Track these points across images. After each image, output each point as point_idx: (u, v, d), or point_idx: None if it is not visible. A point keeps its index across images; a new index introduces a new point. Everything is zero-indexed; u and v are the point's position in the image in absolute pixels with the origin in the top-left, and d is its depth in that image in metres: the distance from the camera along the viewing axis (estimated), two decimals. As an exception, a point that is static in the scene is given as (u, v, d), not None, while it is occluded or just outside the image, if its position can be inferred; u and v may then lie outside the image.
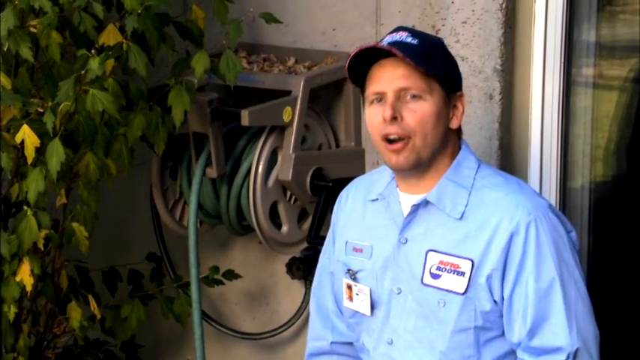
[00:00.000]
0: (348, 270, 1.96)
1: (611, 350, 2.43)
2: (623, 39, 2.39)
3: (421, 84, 1.82)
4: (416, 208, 1.88)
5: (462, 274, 1.83)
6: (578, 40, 2.37)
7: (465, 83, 2.38)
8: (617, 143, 2.45)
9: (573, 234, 1.89)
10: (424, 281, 1.86)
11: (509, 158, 2.40)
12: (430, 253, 1.86)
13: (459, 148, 1.91)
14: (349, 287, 1.96)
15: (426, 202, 1.87)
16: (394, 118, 1.82)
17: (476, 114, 2.36)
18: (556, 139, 2.36)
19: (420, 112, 1.82)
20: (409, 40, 1.84)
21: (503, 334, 1.86)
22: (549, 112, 2.35)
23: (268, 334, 2.71)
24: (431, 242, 1.86)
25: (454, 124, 1.88)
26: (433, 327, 1.86)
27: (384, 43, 1.84)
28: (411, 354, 1.89)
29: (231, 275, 2.63)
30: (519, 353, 1.84)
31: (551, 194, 2.38)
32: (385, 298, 1.92)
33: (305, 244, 2.54)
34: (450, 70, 1.88)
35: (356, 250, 1.96)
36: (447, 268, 1.84)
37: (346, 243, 1.98)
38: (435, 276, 1.85)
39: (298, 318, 2.67)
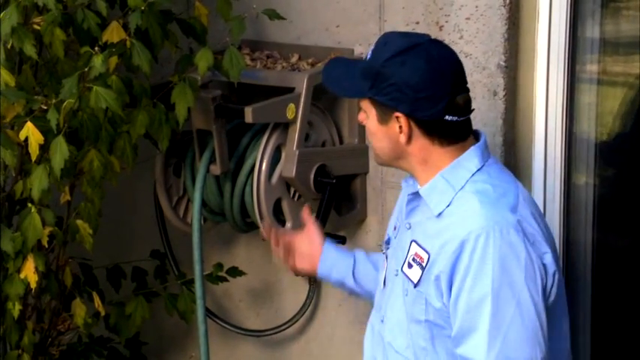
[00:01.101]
0: (383, 244, 2.06)
1: (615, 346, 2.43)
2: (628, 35, 2.38)
3: (362, 103, 1.93)
4: (412, 198, 1.94)
5: (422, 267, 1.88)
6: (583, 36, 2.37)
7: (468, 79, 2.37)
8: (621, 139, 2.45)
9: (548, 255, 1.85)
10: (402, 269, 1.93)
11: (513, 155, 2.40)
12: (412, 244, 1.91)
13: (475, 140, 1.91)
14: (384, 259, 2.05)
15: (419, 195, 1.93)
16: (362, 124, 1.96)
17: (480, 110, 2.35)
18: (560, 135, 2.36)
19: (367, 126, 1.95)
20: (368, 54, 1.91)
21: None
22: (553, 108, 2.35)
23: (272, 331, 2.71)
24: (417, 233, 1.92)
25: (402, 140, 1.88)
26: (404, 313, 1.92)
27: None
28: (391, 336, 1.96)
29: (235, 272, 2.63)
30: None
31: (555, 190, 2.37)
32: (390, 277, 1.98)
33: (309, 241, 2.54)
34: (385, 92, 1.85)
35: (394, 228, 2.04)
36: (417, 260, 1.89)
37: (394, 220, 2.07)
38: (409, 265, 1.91)
39: (302, 315, 2.67)
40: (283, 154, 2.43)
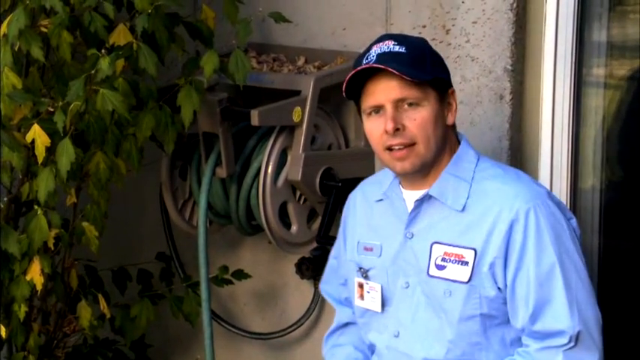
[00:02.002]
0: (360, 268, 2.01)
1: (622, 351, 2.42)
2: (634, 38, 2.38)
3: (416, 92, 1.88)
4: (419, 203, 1.94)
5: (466, 263, 1.88)
6: (589, 39, 2.36)
7: (475, 83, 2.37)
8: (627, 143, 2.44)
9: (574, 221, 1.94)
10: (430, 273, 1.91)
11: (519, 159, 2.40)
12: (435, 246, 1.90)
13: (457, 142, 1.96)
14: (361, 286, 2.01)
15: (428, 197, 1.92)
16: (397, 130, 1.87)
17: (486, 114, 2.35)
18: (567, 139, 2.35)
19: (419, 119, 1.88)
20: (397, 49, 1.88)
21: (508, 321, 1.89)
22: (560, 112, 2.35)
23: (277, 334, 2.71)
24: (435, 235, 1.91)
25: (450, 121, 1.94)
26: (440, 317, 1.91)
27: (373, 54, 1.88)
28: (419, 345, 1.93)
29: (240, 275, 2.63)
30: (524, 339, 1.88)
31: (562, 194, 2.37)
32: (395, 293, 1.96)
33: (314, 244, 2.54)
34: (439, 70, 1.92)
35: (366, 249, 2.01)
36: (452, 258, 1.89)
37: (358, 243, 2.03)
38: (440, 267, 1.90)
39: (307, 318, 2.67)
40: (289, 157, 2.43)
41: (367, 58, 1.88)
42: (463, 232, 1.88)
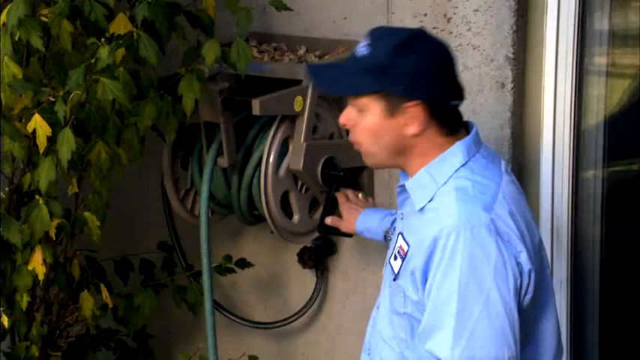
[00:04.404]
0: (388, 233, 2.11)
1: (624, 341, 2.42)
2: (636, 27, 2.37)
3: (358, 100, 1.86)
4: (400, 190, 1.94)
5: (403, 260, 1.88)
6: (591, 28, 2.36)
7: (476, 72, 2.37)
8: (629, 132, 2.44)
9: (523, 255, 1.81)
10: (389, 260, 1.93)
11: (521, 147, 2.39)
12: (399, 236, 1.92)
13: (452, 141, 1.87)
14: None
15: (404, 188, 1.92)
16: (346, 126, 1.91)
17: (488, 103, 2.35)
18: (568, 127, 2.35)
19: (359, 125, 1.88)
20: (361, 50, 1.84)
21: None
22: (562, 100, 2.34)
23: (279, 324, 2.71)
24: (404, 226, 1.93)
25: (410, 131, 1.85)
26: (389, 303, 1.93)
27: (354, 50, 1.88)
28: (381, 324, 1.96)
29: (243, 264, 2.63)
30: None
31: (564, 183, 2.37)
32: (385, 266, 1.99)
33: (316, 234, 2.54)
34: (402, 82, 1.81)
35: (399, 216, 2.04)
36: (401, 253, 1.89)
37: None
38: (395, 257, 1.91)
39: (309, 307, 2.67)
40: (291, 147, 2.43)
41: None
42: (414, 231, 1.87)
